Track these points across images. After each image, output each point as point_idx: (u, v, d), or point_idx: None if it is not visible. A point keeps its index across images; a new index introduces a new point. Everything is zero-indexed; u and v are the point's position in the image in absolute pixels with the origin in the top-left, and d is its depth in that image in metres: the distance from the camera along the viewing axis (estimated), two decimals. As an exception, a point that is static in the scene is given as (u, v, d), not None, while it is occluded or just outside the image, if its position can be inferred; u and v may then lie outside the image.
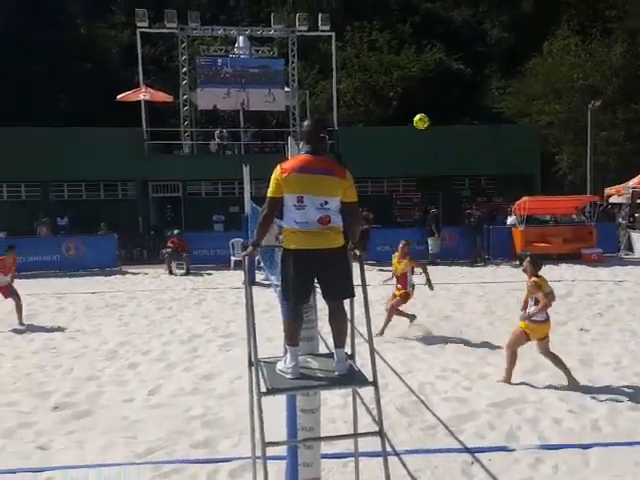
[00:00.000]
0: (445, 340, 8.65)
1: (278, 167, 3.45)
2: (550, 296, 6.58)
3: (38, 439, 5.35)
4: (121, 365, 7.68)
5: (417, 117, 11.62)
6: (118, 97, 21.85)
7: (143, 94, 21.61)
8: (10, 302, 10.29)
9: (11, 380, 7.09)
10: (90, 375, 7.24)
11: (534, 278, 6.69)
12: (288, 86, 23.71)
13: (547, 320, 6.63)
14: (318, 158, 3.48)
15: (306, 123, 3.65)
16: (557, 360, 6.68)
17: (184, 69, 23.17)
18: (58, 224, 20.16)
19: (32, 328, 9.87)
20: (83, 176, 20.96)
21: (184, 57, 23.13)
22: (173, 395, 6.49)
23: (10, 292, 10.36)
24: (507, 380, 6.72)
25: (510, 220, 18.76)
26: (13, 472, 4.70)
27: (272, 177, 3.46)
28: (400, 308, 9.17)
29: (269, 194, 3.46)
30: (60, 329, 9.76)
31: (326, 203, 3.39)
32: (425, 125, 11.64)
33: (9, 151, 19.44)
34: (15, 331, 9.64)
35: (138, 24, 22.26)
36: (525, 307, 6.82)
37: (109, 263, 16.76)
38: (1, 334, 9.48)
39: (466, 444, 5.14)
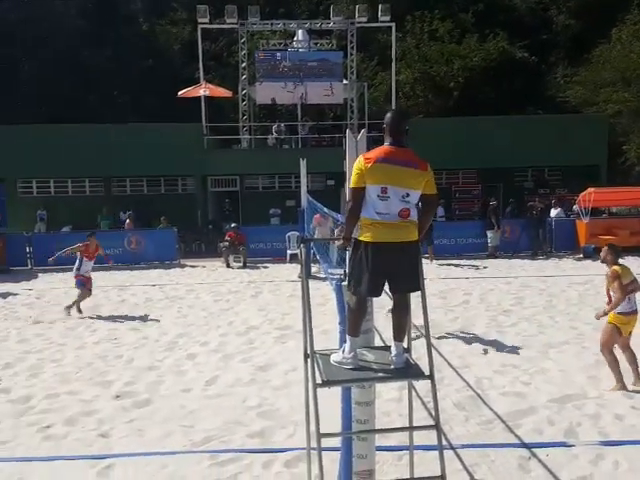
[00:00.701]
0: (504, 334, 8.45)
1: (361, 157, 3.42)
2: (632, 285, 6.18)
3: (100, 427, 5.52)
4: (180, 356, 7.83)
5: None
6: (179, 93, 22.30)
7: (203, 90, 21.99)
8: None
9: (74, 369, 7.33)
10: (150, 365, 7.43)
11: (614, 267, 6.26)
12: (346, 78, 23.62)
13: (636, 311, 6.24)
14: (401, 150, 3.44)
15: (388, 115, 3.56)
16: (633, 357, 6.31)
17: (243, 64, 23.44)
18: (120, 219, 20.77)
19: (95, 319, 10.19)
20: (145, 171, 21.55)
21: (243, 52, 23.39)
22: (230, 385, 6.58)
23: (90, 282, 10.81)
24: (623, 387, 6.15)
25: (554, 212, 18.28)
26: (76, 459, 4.86)
27: (354, 167, 3.42)
28: None
29: (352, 184, 3.42)
30: (121, 320, 10.04)
31: (407, 195, 3.36)
32: None
33: (74, 147, 20.15)
34: (78, 322, 9.96)
35: (199, 20, 22.63)
36: (609, 299, 6.36)
37: (169, 256, 17.14)
38: (64, 325, 9.81)
39: (524, 439, 5.04)
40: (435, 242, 16.09)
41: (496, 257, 16.05)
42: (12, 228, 19.82)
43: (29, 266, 16.46)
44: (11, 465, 4.75)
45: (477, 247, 17.16)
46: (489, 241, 16.77)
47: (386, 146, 3.46)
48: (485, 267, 14.82)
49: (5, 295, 12.45)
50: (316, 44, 24.35)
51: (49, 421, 5.65)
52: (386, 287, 3.42)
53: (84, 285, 10.67)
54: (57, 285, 13.75)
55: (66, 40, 30.58)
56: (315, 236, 14.86)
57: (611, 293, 6.28)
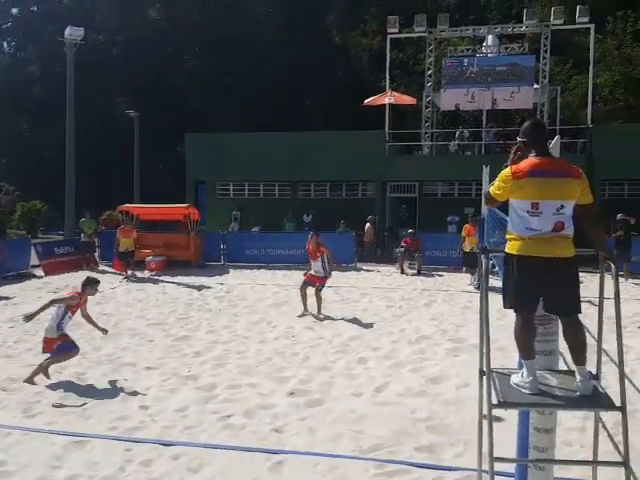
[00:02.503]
0: None
1: (509, 169, 3.29)
2: None
3: (274, 422, 5.75)
4: (352, 359, 7.94)
5: None
6: (365, 102, 22.88)
7: (388, 98, 22.36)
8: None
9: (255, 363, 7.76)
10: (323, 365, 7.62)
11: None
12: (537, 83, 22.47)
13: None
14: (551, 160, 3.28)
15: (527, 126, 3.41)
16: None
17: (429, 71, 23.39)
18: (303, 221, 21.79)
19: (276, 315, 10.74)
20: (328, 177, 22.43)
21: (430, 59, 23.35)
22: (400, 394, 6.52)
23: (320, 282, 10.66)
24: None
25: None
26: (252, 451, 5.11)
27: (501, 176, 3.31)
28: None
29: (494, 190, 3.33)
30: (300, 319, 10.43)
31: (562, 207, 3.17)
32: None
33: (267, 154, 21.74)
34: (261, 318, 10.48)
35: (389, 30, 23.07)
36: None
37: (346, 259, 17.54)
38: (249, 319, 10.42)
39: None
40: (634, 258, 14.87)
41: None
42: (209, 226, 21.85)
43: (222, 262, 17.97)
44: (194, 450, 5.11)
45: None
46: None
47: (533, 158, 3.27)
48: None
49: (200, 288, 13.66)
50: (506, 48, 23.53)
51: (230, 411, 6.00)
52: None
53: (307, 283, 10.76)
54: (244, 281, 14.84)
55: (268, 53, 33.11)
56: (464, 246, 14.35)
57: None
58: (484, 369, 3.22)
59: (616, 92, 30.63)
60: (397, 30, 23.04)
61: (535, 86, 22.24)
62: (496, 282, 11.21)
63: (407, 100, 23.61)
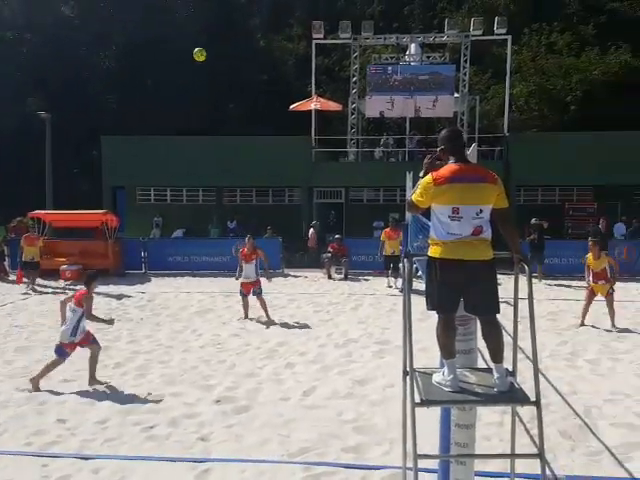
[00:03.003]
0: (617, 361, 7.91)
1: (430, 175, 3.38)
2: None
3: (200, 430, 5.67)
4: (279, 364, 7.95)
5: (196, 50, 11.85)
6: (291, 107, 22.93)
7: (314, 103, 22.46)
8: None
9: (179, 372, 7.62)
10: (250, 372, 7.59)
11: None
12: (458, 92, 23.24)
13: None
14: (470, 166, 3.41)
15: (445, 134, 3.54)
16: None
17: (354, 78, 23.69)
18: (228, 227, 21.52)
19: (200, 324, 10.55)
20: (254, 182, 22.25)
21: (355, 66, 23.65)
22: (327, 397, 6.58)
23: (254, 286, 10.85)
24: None
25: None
26: (176, 460, 5.03)
27: (423, 183, 3.40)
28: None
29: (416, 197, 3.42)
30: (226, 326, 10.34)
31: (481, 212, 3.30)
32: (203, 57, 12.04)
33: (190, 158, 21.26)
34: (185, 326, 10.32)
35: (314, 36, 23.16)
36: None
37: (273, 265, 17.44)
38: (172, 328, 10.21)
39: (634, 474, 4.70)
40: (546, 260, 15.60)
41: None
42: (129, 233, 21.16)
43: (143, 270, 17.41)
44: (115, 463, 4.96)
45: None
46: None
47: (453, 165, 3.38)
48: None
49: (120, 297, 13.22)
50: (428, 57, 24.18)
51: (153, 421, 5.88)
52: None
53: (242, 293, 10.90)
54: (167, 289, 14.48)
55: (189, 55, 32.36)
56: (384, 250, 14.72)
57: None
58: (407, 369, 3.29)
59: (531, 102, 32.18)
60: (322, 36, 23.18)
61: (455, 95, 22.95)
62: (420, 285, 11.57)
63: (333, 106, 23.85)
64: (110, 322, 7.63)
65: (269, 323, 10.45)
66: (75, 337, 6.98)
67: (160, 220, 22.17)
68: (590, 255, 10.18)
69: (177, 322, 10.69)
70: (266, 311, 10.70)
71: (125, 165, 22.11)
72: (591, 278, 10.19)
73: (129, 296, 13.38)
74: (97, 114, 32.27)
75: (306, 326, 10.31)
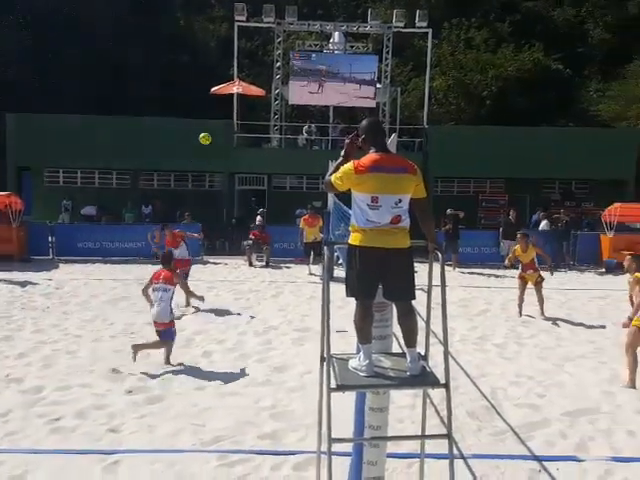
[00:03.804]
0: (522, 345, 8.37)
1: (352, 163, 3.41)
2: None
3: (110, 422, 5.51)
4: (196, 353, 7.84)
5: (202, 135, 12.41)
6: (212, 90, 22.44)
7: (236, 87, 22.10)
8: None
9: (88, 362, 7.35)
10: (165, 361, 7.40)
11: (637, 274, 6.92)
12: (380, 83, 23.55)
13: None
14: (390, 156, 3.46)
15: (365, 124, 3.59)
16: (636, 361, 6.66)
17: (278, 63, 23.50)
18: (143, 212, 20.89)
19: (113, 312, 10.23)
20: (173, 166, 21.66)
21: (279, 51, 23.44)
22: (244, 385, 6.56)
23: (184, 267, 10.74)
24: (633, 385, 6.60)
25: (542, 225, 18.29)
26: (83, 453, 4.86)
27: (344, 169, 3.42)
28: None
29: (335, 179, 3.46)
30: (140, 314, 10.02)
31: (400, 201, 3.36)
32: (208, 141, 12.49)
33: (103, 139, 20.21)
34: (95, 315, 9.94)
35: (236, 18, 22.76)
36: (631, 304, 7.05)
37: (192, 252, 17.15)
38: (81, 317, 9.84)
39: (535, 452, 4.99)
40: (460, 249, 16.31)
41: (515, 267, 16.05)
42: (36, 217, 20.11)
43: (51, 256, 16.57)
44: (16, 457, 4.74)
45: (501, 256, 16.97)
46: (502, 251, 16.51)
47: (374, 154, 3.43)
48: (507, 277, 14.62)
49: (24, 284, 12.55)
50: (352, 47, 24.32)
51: (59, 413, 5.66)
52: None
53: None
54: (77, 276, 13.91)
55: (103, 31, 30.98)
56: (304, 237, 14.87)
57: (634, 299, 6.95)
58: (324, 355, 3.33)
59: (449, 95, 33.13)
60: (245, 18, 22.78)
61: (378, 86, 23.27)
62: (341, 273, 11.72)
63: (256, 91, 23.54)
64: (201, 299, 8.48)
65: (188, 310, 10.24)
66: (173, 314, 7.46)
67: (69, 204, 21.01)
68: (518, 247, 10.61)
69: (87, 311, 10.29)
70: (190, 296, 10.33)
71: (31, 145, 20.70)
72: (521, 269, 10.61)
73: (35, 283, 12.72)
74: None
75: (225, 314, 10.20)
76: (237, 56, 23.53)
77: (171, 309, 7.41)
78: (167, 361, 7.30)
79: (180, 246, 10.94)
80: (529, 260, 10.46)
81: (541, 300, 10.38)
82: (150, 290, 7.46)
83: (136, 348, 7.24)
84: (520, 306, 10.48)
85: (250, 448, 4.96)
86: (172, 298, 7.42)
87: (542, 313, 10.36)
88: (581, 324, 9.82)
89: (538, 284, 10.37)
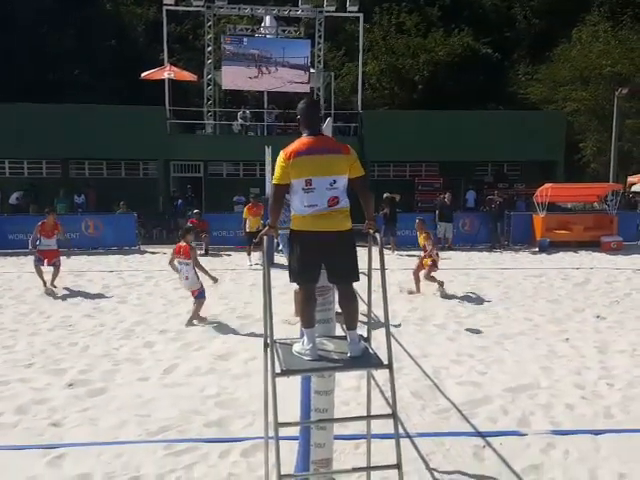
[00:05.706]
0: (461, 324, 8.62)
1: (282, 153, 3.40)
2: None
3: (52, 416, 5.36)
4: (137, 344, 7.68)
5: None
6: (142, 75, 21.83)
7: (168, 72, 21.58)
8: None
9: (26, 357, 7.12)
10: (106, 353, 7.26)
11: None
12: (313, 67, 23.51)
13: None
14: (321, 138, 3.46)
15: (302, 106, 3.56)
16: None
17: (209, 48, 23.08)
18: (75, 202, 20.27)
19: (49, 305, 9.93)
20: (104, 154, 21.05)
21: (210, 36, 23.01)
22: (188, 374, 6.49)
23: (56, 257, 11.03)
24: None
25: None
26: (25, 448, 4.73)
27: (278, 163, 3.41)
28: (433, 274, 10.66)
29: (275, 181, 3.41)
30: (77, 307, 9.79)
31: (335, 182, 3.35)
32: None
33: (31, 127, 19.50)
34: (31, 309, 9.65)
35: (164, 1, 22.18)
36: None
37: (128, 242, 16.84)
38: (16, 310, 9.52)
39: (478, 428, 5.12)
40: (398, 233, 16.56)
41: (452, 249, 16.52)
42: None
43: (-20, 249, 15.86)
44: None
45: (437, 238, 17.39)
46: (439, 233, 16.91)
47: (304, 138, 3.45)
48: (444, 259, 15.01)
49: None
50: (284, 31, 24.13)
51: (-2, 409, 5.48)
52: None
53: (40, 260, 10.85)
54: (9, 269, 13.42)
55: (27, 18, 29.57)
56: (246, 226, 14.81)
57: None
58: (268, 341, 3.35)
59: (382, 80, 33.49)
60: (173, 2, 22.22)
61: (312, 70, 23.24)
62: (282, 260, 11.71)
63: (188, 76, 23.04)
64: (214, 280, 8.80)
65: (48, 290, 10.61)
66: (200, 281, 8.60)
67: (-3, 195, 20.27)
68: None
69: (22, 304, 9.92)
70: (54, 278, 10.90)
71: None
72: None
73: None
74: None
75: (166, 304, 10.05)
76: (167, 41, 22.99)
77: (197, 276, 8.62)
78: (194, 316, 8.54)
79: (52, 238, 11.14)
80: (422, 245, 10.97)
81: (429, 280, 10.65)
82: (176, 262, 8.68)
83: (195, 319, 8.55)
84: (417, 284, 10.78)
85: (197, 437, 4.93)
86: (193, 268, 8.57)
87: (417, 290, 10.70)
88: (517, 302, 10.12)
89: (429, 267, 10.64)
